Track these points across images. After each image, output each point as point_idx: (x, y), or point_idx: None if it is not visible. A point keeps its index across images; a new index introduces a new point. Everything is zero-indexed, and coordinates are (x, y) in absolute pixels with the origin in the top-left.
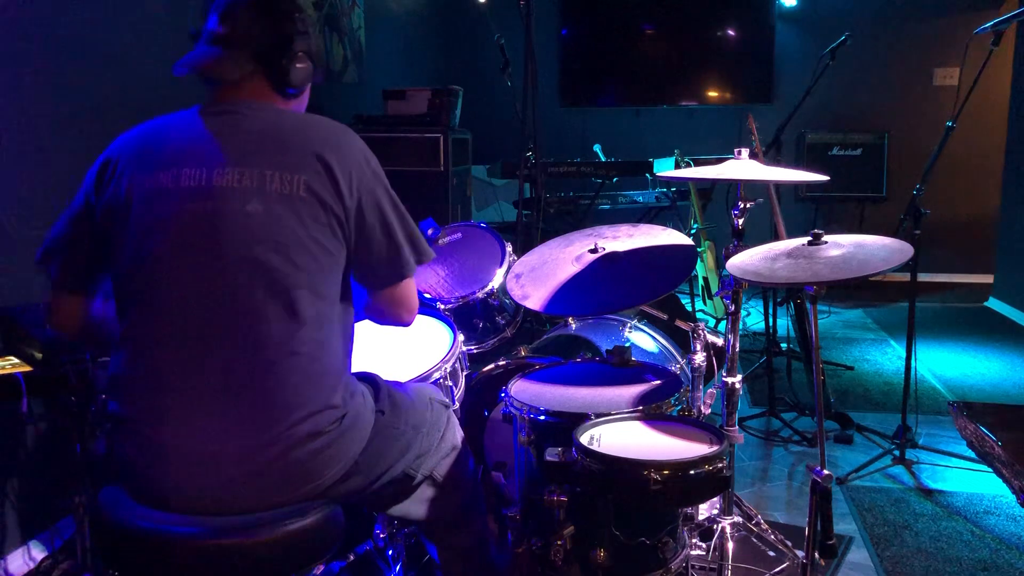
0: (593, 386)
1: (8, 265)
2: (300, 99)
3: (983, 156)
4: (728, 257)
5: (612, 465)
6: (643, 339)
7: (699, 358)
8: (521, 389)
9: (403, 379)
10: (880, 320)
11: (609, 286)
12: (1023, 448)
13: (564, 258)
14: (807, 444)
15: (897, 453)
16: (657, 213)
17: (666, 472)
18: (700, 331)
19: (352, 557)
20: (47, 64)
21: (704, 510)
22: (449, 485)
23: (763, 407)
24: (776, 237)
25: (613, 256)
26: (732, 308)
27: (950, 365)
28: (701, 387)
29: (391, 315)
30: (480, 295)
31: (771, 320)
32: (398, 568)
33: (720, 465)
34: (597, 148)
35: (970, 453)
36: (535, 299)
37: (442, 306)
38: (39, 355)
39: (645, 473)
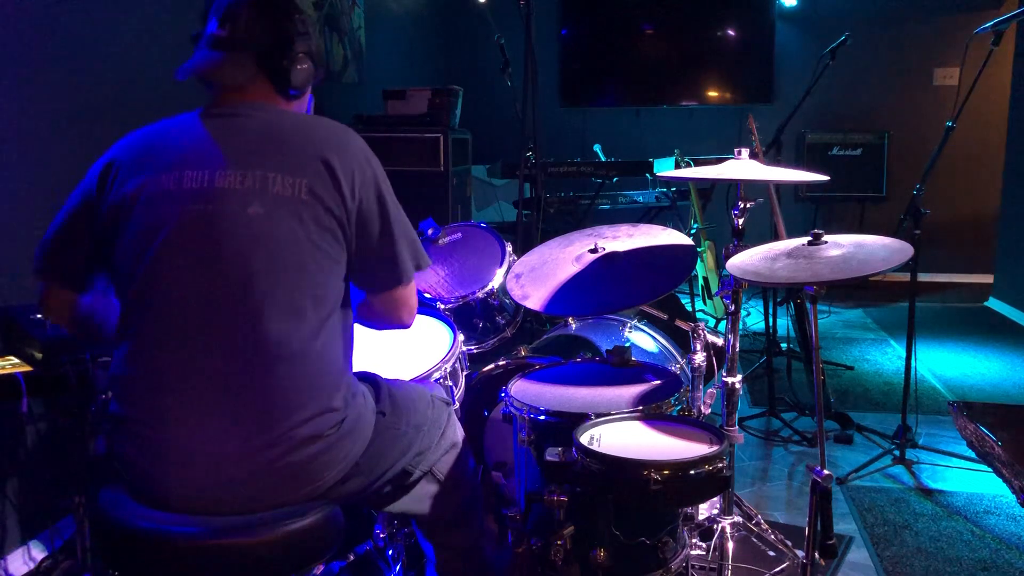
0: (593, 386)
1: (8, 265)
2: (302, 100)
3: (983, 156)
4: (728, 257)
5: (612, 465)
6: (643, 339)
7: (699, 358)
8: (521, 389)
9: (403, 379)
10: (880, 320)
11: (609, 286)
12: (1023, 448)
13: (564, 258)
14: (807, 444)
15: (897, 453)
16: (657, 213)
17: (666, 472)
18: (700, 331)
19: (352, 557)
20: (47, 64)
21: (704, 510)
22: (449, 483)
23: (763, 407)
24: (776, 237)
25: (613, 256)
26: (732, 308)
27: (950, 365)
28: (701, 387)
29: (391, 317)
30: (480, 295)
31: (771, 320)
32: (398, 568)
33: (720, 465)
34: (597, 148)
35: (970, 453)
36: (535, 299)
37: (442, 306)
38: (39, 355)
39: (645, 473)
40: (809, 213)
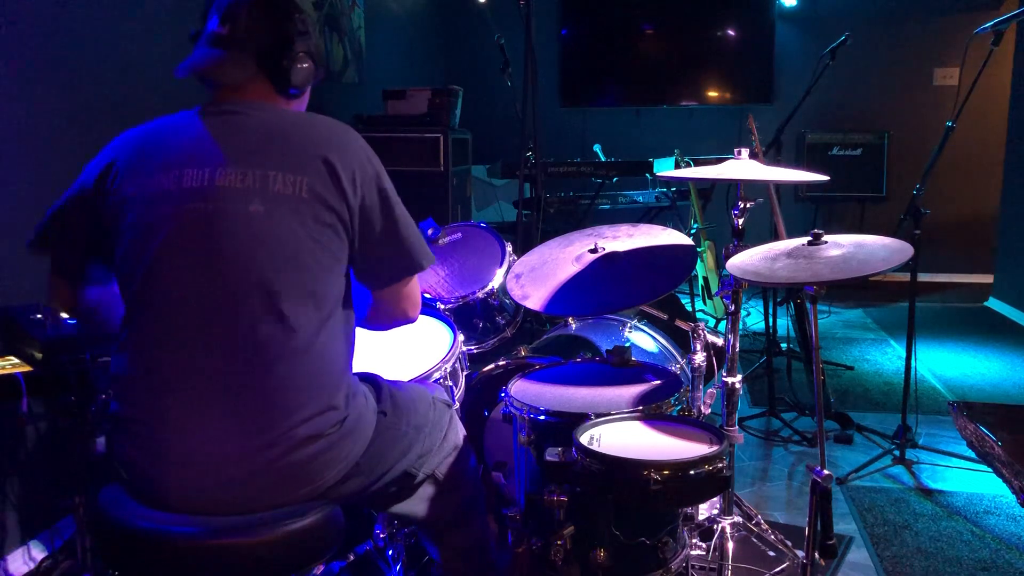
0: (593, 386)
1: (8, 265)
2: (302, 99)
3: (983, 156)
4: (728, 257)
5: (612, 465)
6: (643, 339)
7: (699, 358)
8: (521, 389)
9: (403, 379)
10: (880, 320)
11: (609, 286)
12: (1023, 448)
13: (564, 258)
14: (807, 444)
15: (897, 453)
16: (657, 213)
17: (666, 472)
18: (700, 331)
19: (352, 557)
20: (48, 64)
21: (704, 510)
22: (450, 484)
23: (763, 407)
24: (776, 237)
25: (613, 256)
26: (732, 308)
27: (950, 365)
28: (701, 387)
29: (397, 312)
30: (480, 295)
31: (771, 320)
32: (398, 568)
33: (720, 465)
34: (597, 148)
35: (970, 453)
36: (535, 299)
37: (442, 306)
38: (39, 355)
39: (645, 473)
40: (809, 213)
